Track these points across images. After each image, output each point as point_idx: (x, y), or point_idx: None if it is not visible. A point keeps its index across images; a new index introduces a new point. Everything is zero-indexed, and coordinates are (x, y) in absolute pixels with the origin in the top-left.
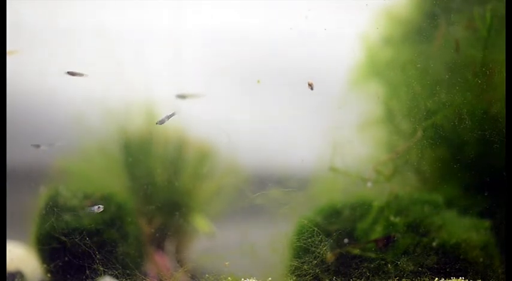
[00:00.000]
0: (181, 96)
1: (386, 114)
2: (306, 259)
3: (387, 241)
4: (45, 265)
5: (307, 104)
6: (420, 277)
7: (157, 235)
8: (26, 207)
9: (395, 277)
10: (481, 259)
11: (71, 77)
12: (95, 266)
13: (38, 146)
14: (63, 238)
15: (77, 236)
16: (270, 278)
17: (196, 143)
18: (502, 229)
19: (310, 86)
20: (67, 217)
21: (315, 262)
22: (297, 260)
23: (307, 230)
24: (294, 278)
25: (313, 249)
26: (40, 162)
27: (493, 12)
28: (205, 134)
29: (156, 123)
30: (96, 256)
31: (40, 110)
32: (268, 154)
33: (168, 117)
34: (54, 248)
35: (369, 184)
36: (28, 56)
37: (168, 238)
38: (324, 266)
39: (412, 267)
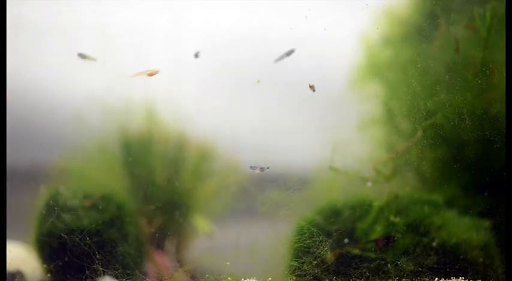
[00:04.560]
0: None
1: (386, 114)
2: (306, 259)
3: (387, 241)
4: (45, 265)
5: (307, 104)
6: (420, 277)
7: (157, 235)
8: (26, 207)
9: (395, 277)
10: (481, 259)
11: (70, 77)
12: (95, 266)
13: None
14: (63, 237)
15: (77, 236)
16: (270, 278)
17: (196, 143)
18: (502, 229)
19: (312, 87)
20: (67, 216)
21: (315, 262)
22: (297, 260)
23: (307, 231)
24: (294, 278)
25: (313, 249)
26: (40, 162)
27: (493, 12)
28: (205, 134)
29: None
30: (96, 256)
31: (40, 110)
32: (268, 154)
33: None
34: (54, 248)
35: (369, 184)
36: (28, 55)
37: (168, 238)
38: (324, 266)
39: (412, 267)
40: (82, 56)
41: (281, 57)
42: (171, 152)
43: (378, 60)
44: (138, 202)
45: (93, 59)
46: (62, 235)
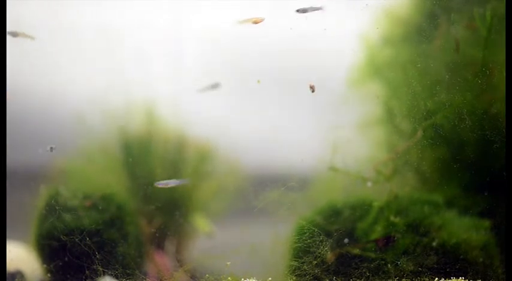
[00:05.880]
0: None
1: (386, 114)
2: (306, 259)
3: (387, 241)
4: (45, 265)
5: (307, 104)
6: (420, 277)
7: (157, 235)
8: (26, 207)
9: (395, 277)
10: (481, 259)
11: (70, 77)
12: (95, 266)
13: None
14: (63, 238)
15: (77, 236)
16: (270, 278)
17: (196, 143)
18: (502, 229)
19: (312, 88)
20: (67, 217)
21: (315, 262)
22: (297, 260)
23: (307, 231)
24: (294, 278)
25: (313, 249)
26: (40, 162)
27: (493, 12)
28: (205, 134)
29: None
30: (96, 256)
31: (40, 110)
32: (268, 154)
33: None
34: (54, 248)
35: (369, 184)
36: (28, 55)
37: (168, 238)
38: (324, 266)
39: (412, 267)
40: (14, 34)
41: (307, 10)
42: (171, 152)
43: (378, 60)
44: (138, 202)
45: (30, 37)
46: (62, 235)
